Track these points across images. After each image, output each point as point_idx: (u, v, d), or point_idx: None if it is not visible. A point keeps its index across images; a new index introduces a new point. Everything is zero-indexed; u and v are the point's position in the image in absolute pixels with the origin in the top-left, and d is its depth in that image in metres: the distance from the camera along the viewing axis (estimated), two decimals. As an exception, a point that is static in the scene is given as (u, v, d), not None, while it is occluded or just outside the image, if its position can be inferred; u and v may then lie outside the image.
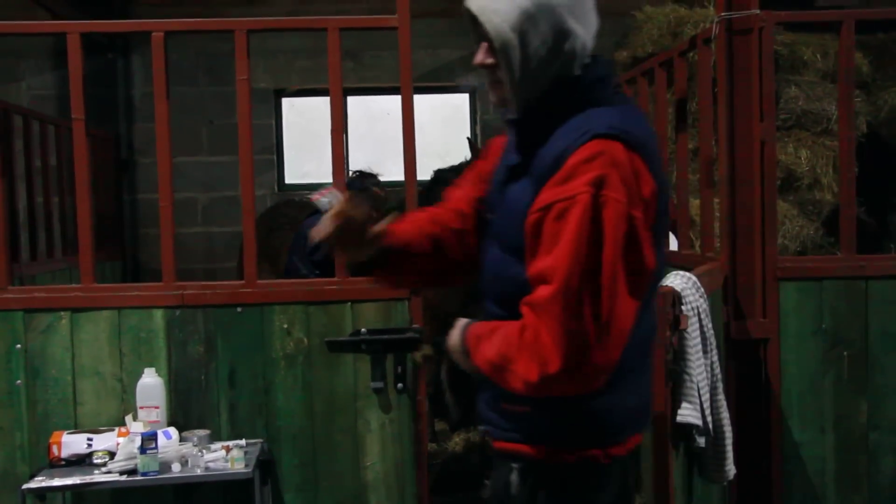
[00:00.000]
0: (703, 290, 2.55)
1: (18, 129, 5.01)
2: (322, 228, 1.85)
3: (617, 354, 1.55)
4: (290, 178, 6.99)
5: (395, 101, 6.81)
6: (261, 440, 3.10)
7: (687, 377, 2.36)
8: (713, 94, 3.43)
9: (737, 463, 2.72)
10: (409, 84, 3.16)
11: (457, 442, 5.62)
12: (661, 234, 1.69)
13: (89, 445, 2.94)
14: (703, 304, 2.52)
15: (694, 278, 2.54)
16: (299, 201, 5.89)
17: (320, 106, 6.95)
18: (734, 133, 3.25)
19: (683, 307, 2.41)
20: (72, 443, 2.94)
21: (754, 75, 3.22)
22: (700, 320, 2.47)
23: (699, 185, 3.64)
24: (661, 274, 1.83)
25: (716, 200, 3.53)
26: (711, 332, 2.57)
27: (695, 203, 4.48)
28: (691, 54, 3.87)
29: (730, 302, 3.22)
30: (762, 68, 3.22)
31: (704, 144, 3.50)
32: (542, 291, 1.56)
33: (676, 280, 2.51)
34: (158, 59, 3.13)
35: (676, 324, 2.30)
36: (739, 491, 3.18)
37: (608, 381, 1.59)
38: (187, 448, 2.89)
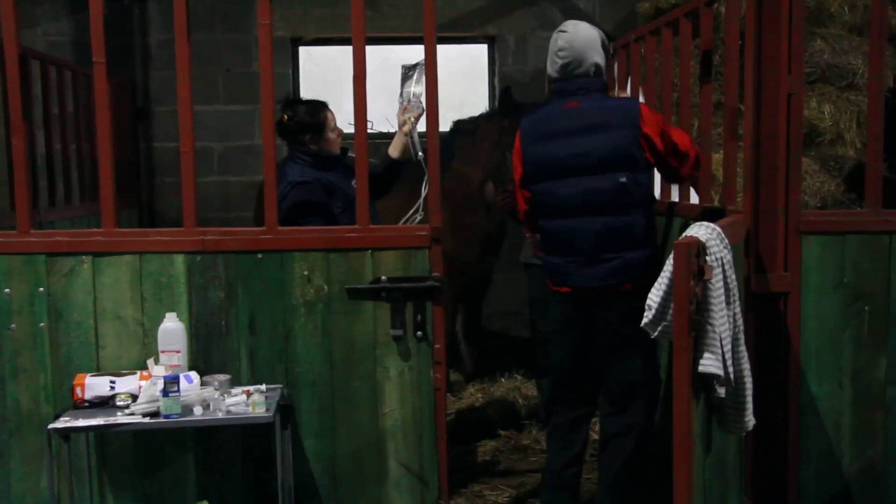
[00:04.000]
0: (727, 241, 2.53)
1: (35, 75, 5.00)
2: None
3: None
4: (306, 128, 6.95)
5: (412, 52, 6.77)
6: (280, 386, 3.13)
7: (710, 327, 2.36)
8: (740, 45, 3.37)
9: (754, 415, 2.72)
10: (432, 33, 3.12)
11: (471, 393, 5.66)
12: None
13: (112, 388, 2.97)
14: (728, 255, 2.50)
15: (718, 229, 2.52)
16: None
17: (337, 56, 6.89)
18: (760, 85, 3.20)
19: (708, 258, 2.39)
20: (95, 385, 2.97)
21: (783, 26, 3.16)
22: (724, 271, 2.46)
23: (722, 139, 3.60)
24: (545, 196, 3.30)
25: (738, 155, 3.49)
26: (735, 283, 2.56)
27: (715, 157, 4.43)
28: (717, 4, 3.79)
29: (751, 255, 3.20)
30: (792, 19, 3.16)
31: (730, 97, 3.45)
32: None
33: (701, 231, 2.49)
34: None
35: (701, 274, 2.29)
36: (756, 443, 3.19)
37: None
38: (209, 392, 2.92)
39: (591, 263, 3.23)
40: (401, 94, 3.96)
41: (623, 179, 3.16)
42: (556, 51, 3.31)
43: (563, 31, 3.33)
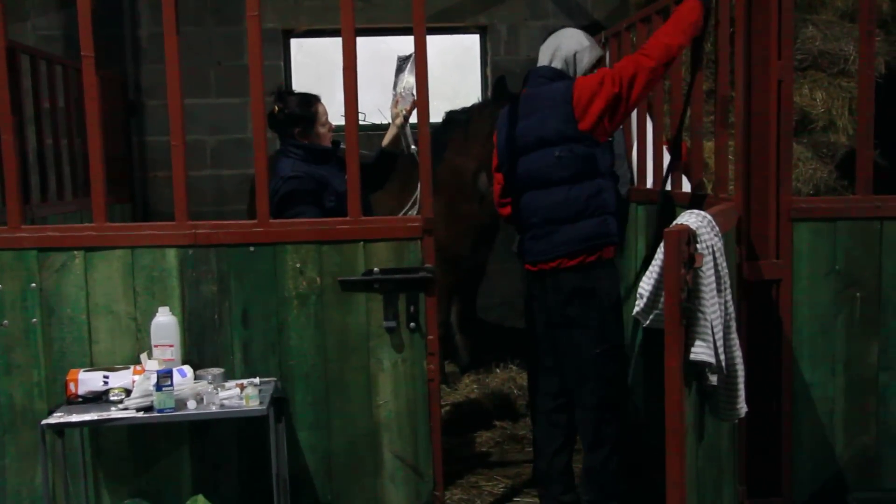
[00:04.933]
0: (717, 228, 2.54)
1: (26, 69, 4.98)
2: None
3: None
4: (298, 121, 6.94)
5: (404, 43, 6.76)
6: (274, 379, 3.13)
7: (701, 315, 2.36)
8: (730, 32, 3.37)
9: (747, 402, 2.73)
10: (422, 24, 3.11)
11: (467, 384, 5.67)
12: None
13: (105, 383, 2.97)
14: (718, 243, 2.51)
15: (709, 217, 2.53)
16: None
17: (329, 47, 6.87)
18: (751, 71, 3.21)
19: (698, 245, 2.40)
20: (88, 380, 2.97)
21: (773, 12, 3.16)
22: (715, 259, 2.46)
23: (714, 126, 3.60)
24: (506, 177, 3.54)
25: (730, 143, 3.50)
26: (726, 270, 2.56)
27: (707, 145, 4.43)
28: (708, -8, 3.78)
29: (743, 242, 3.21)
30: (781, 4, 3.16)
31: (721, 84, 3.45)
32: None
33: (691, 218, 2.49)
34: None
35: (691, 262, 2.29)
36: (749, 430, 3.21)
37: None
38: (202, 386, 2.92)
39: (539, 238, 3.38)
40: (394, 86, 3.95)
41: (557, 153, 3.30)
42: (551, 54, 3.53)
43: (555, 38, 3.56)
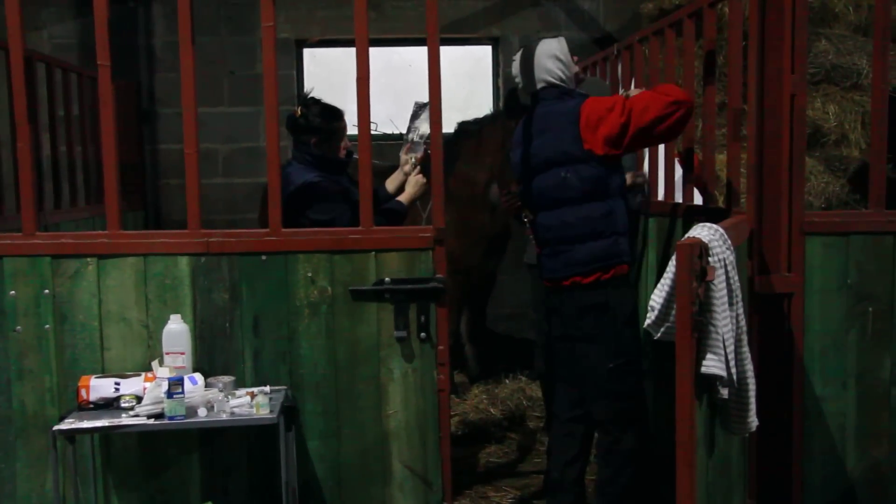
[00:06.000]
0: (729, 242, 2.53)
1: (41, 77, 5.02)
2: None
3: None
4: (310, 130, 6.96)
5: (417, 53, 6.79)
6: (284, 387, 3.14)
7: (712, 328, 2.36)
8: (743, 45, 3.37)
9: (758, 416, 2.72)
10: (435, 34, 3.12)
11: (476, 394, 5.66)
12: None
13: (117, 389, 2.98)
14: (730, 257, 2.50)
15: (721, 230, 2.52)
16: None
17: (342, 57, 6.91)
18: (764, 85, 3.20)
19: (710, 259, 2.40)
20: (100, 387, 2.98)
21: (786, 25, 3.16)
22: (727, 272, 2.46)
23: (726, 139, 3.60)
24: (522, 196, 3.57)
25: (742, 156, 3.49)
26: (738, 284, 2.56)
27: (719, 158, 4.43)
28: (721, 5, 3.79)
29: (755, 256, 3.20)
30: (795, 18, 3.16)
31: (733, 97, 3.45)
32: None
33: (703, 231, 2.49)
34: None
35: (703, 275, 2.29)
36: (760, 444, 3.19)
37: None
38: (213, 393, 2.93)
39: (553, 255, 3.41)
40: (408, 131, 3.95)
41: (563, 174, 3.31)
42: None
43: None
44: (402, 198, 3.81)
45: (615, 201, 3.34)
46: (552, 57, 3.44)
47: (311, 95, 3.75)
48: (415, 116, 3.87)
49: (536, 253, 3.59)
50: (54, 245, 3.14)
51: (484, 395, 5.62)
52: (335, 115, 3.71)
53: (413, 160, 3.86)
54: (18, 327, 3.13)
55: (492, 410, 5.30)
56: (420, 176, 3.81)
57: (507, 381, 5.84)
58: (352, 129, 3.38)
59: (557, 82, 3.44)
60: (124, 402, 2.94)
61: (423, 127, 3.83)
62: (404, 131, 4.00)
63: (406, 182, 3.87)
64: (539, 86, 3.46)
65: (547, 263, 3.45)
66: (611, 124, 3.23)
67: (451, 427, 4.59)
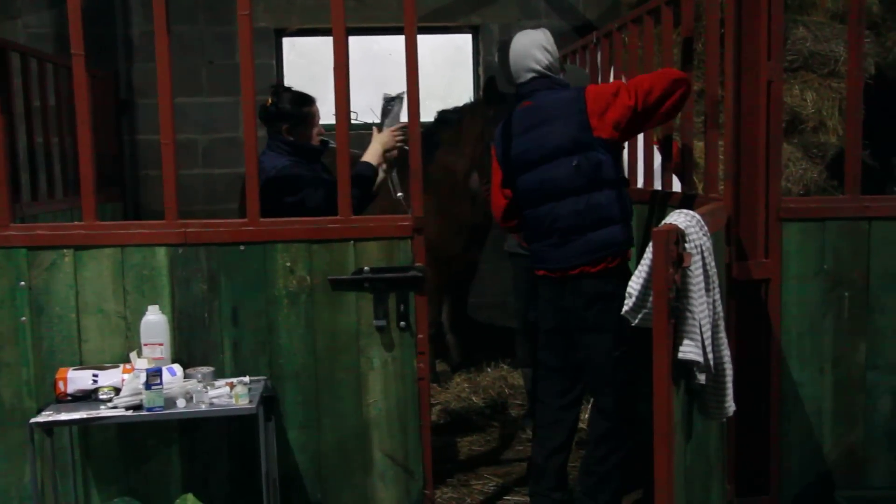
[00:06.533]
0: (706, 228, 2.54)
1: (16, 68, 4.96)
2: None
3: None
4: (290, 120, 6.93)
5: (396, 42, 6.76)
6: (264, 377, 3.13)
7: (689, 314, 2.37)
8: (720, 33, 3.38)
9: (736, 401, 2.74)
10: (413, 23, 3.11)
11: (458, 383, 5.67)
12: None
13: (95, 381, 2.96)
14: (707, 243, 2.51)
15: (698, 216, 2.53)
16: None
17: (321, 47, 6.87)
18: (741, 72, 3.22)
19: (687, 245, 2.41)
20: (77, 379, 2.96)
21: (763, 13, 3.17)
22: (703, 258, 2.47)
23: (704, 127, 3.61)
24: (520, 189, 3.46)
25: (719, 143, 3.51)
26: (715, 270, 2.57)
27: (698, 146, 4.45)
28: (698, -8, 3.80)
29: (732, 242, 3.22)
30: (771, 5, 3.17)
31: (710, 84, 3.46)
32: None
33: (680, 218, 2.50)
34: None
35: (679, 261, 2.30)
36: (738, 428, 3.22)
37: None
38: (192, 384, 2.92)
39: (561, 245, 3.36)
40: (381, 128, 3.72)
41: (575, 162, 3.28)
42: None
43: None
44: (368, 156, 3.57)
45: (622, 187, 3.35)
46: (540, 47, 3.43)
47: (279, 85, 3.73)
48: (385, 113, 3.68)
49: (530, 244, 3.52)
50: (29, 236, 3.11)
51: (466, 383, 5.64)
52: (305, 100, 3.68)
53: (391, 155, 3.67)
54: (-6, 320, 3.10)
55: (473, 399, 5.32)
56: (385, 131, 3.58)
57: (488, 370, 5.86)
58: (331, 119, 3.36)
59: (546, 72, 3.43)
60: (102, 394, 2.93)
61: (397, 120, 3.70)
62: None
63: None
64: (528, 76, 3.45)
65: (553, 254, 3.38)
66: (620, 109, 3.24)
67: (433, 416, 4.60)
